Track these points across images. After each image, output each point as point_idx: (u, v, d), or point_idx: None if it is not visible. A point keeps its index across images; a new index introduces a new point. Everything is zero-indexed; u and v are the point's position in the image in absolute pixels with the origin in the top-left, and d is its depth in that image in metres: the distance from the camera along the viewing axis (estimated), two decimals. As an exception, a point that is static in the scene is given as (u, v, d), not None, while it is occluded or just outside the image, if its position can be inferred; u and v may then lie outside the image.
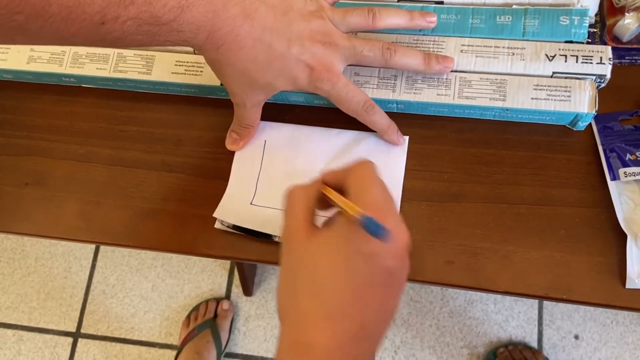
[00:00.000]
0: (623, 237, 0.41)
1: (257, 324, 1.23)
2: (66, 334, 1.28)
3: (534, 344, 1.16)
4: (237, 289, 1.26)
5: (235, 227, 0.45)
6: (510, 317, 1.18)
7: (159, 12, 0.33)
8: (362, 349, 0.33)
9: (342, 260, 0.32)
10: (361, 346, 0.32)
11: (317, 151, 0.46)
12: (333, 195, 0.35)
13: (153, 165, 0.49)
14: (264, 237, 0.44)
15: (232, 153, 0.48)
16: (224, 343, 1.18)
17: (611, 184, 0.43)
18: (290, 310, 0.34)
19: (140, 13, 0.32)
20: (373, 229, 0.30)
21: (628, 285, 0.41)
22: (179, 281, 1.28)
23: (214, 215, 0.45)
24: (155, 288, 1.28)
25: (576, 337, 1.16)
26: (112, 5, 0.31)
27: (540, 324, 1.17)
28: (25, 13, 0.29)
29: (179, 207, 0.47)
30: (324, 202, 0.37)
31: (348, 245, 0.32)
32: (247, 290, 1.23)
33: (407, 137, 0.46)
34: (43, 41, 0.32)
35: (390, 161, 0.45)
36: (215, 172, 0.47)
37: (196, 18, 0.35)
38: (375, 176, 0.34)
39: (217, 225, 0.45)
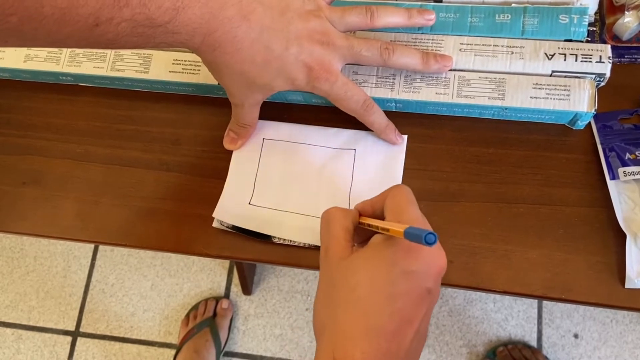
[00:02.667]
0: (622, 236, 0.41)
1: (256, 323, 1.23)
2: (65, 332, 1.28)
3: (534, 343, 1.15)
4: (236, 288, 1.26)
5: (233, 227, 0.44)
6: (509, 316, 1.18)
7: (153, 14, 0.32)
8: None
9: (383, 276, 0.32)
10: None
11: (315, 150, 0.46)
12: (372, 220, 0.36)
13: (151, 165, 0.49)
14: (263, 238, 0.44)
15: (230, 152, 0.47)
16: (223, 342, 1.18)
17: (610, 184, 0.42)
18: (328, 325, 0.33)
19: (134, 15, 0.32)
20: (419, 234, 0.29)
21: (627, 285, 0.40)
22: (178, 280, 1.28)
23: (213, 215, 0.45)
24: (155, 287, 1.28)
25: (576, 336, 1.16)
26: (106, 7, 0.31)
27: (539, 322, 1.17)
28: (19, 15, 0.29)
29: (176, 206, 0.47)
30: (360, 235, 0.37)
31: (389, 263, 0.32)
32: (247, 290, 1.23)
33: (405, 136, 0.46)
34: (36, 43, 0.32)
35: (388, 160, 0.45)
36: (213, 171, 0.47)
37: (192, 20, 0.34)
38: (411, 198, 0.35)
39: (215, 224, 0.45)
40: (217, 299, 1.23)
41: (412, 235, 0.30)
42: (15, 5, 0.28)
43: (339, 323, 0.32)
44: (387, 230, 0.32)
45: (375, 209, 0.37)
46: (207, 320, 1.18)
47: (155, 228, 0.47)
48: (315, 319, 0.35)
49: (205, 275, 1.28)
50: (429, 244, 0.29)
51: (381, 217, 0.36)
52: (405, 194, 0.35)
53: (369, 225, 0.36)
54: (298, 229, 0.44)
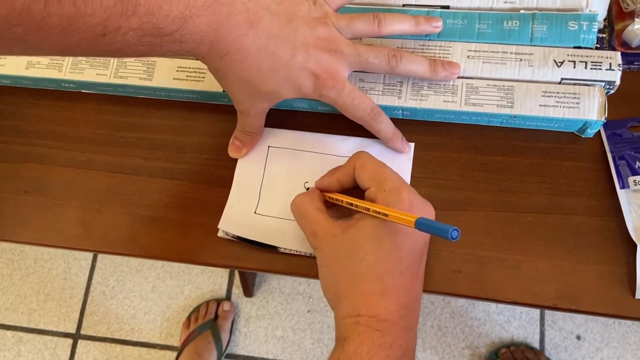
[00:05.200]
0: (633, 246, 0.41)
1: (257, 325, 1.23)
2: (66, 335, 1.27)
3: (536, 345, 1.15)
4: (237, 289, 1.25)
5: (239, 237, 0.44)
6: (512, 318, 1.17)
7: (161, 22, 0.32)
8: (414, 319, 0.38)
9: (389, 244, 0.36)
10: (413, 317, 0.37)
11: (321, 158, 0.46)
12: (359, 201, 0.38)
13: (154, 172, 0.48)
14: (269, 248, 0.44)
15: (235, 160, 0.47)
16: (224, 344, 1.18)
17: (620, 192, 0.42)
18: (345, 293, 0.37)
19: (142, 24, 0.31)
20: (442, 228, 0.32)
21: (638, 296, 0.40)
22: (180, 282, 1.28)
23: (219, 226, 0.44)
24: (156, 289, 1.28)
25: (578, 337, 1.15)
26: (114, 17, 0.30)
27: (542, 324, 1.17)
28: (25, 25, 0.28)
29: (180, 215, 0.46)
30: (334, 210, 0.41)
31: (392, 231, 0.36)
32: (248, 291, 1.23)
33: (412, 144, 0.45)
34: (42, 52, 0.31)
35: (395, 168, 0.44)
36: (218, 180, 0.47)
37: (199, 28, 0.34)
38: (378, 161, 0.39)
39: (221, 234, 0.45)
40: (219, 301, 1.23)
41: (430, 227, 0.32)
42: (22, 16, 0.28)
43: (357, 289, 0.36)
44: (387, 215, 0.35)
45: (343, 182, 0.40)
46: (208, 323, 1.17)
47: (159, 237, 0.46)
48: (329, 293, 0.38)
49: (206, 277, 1.27)
50: (454, 239, 0.31)
51: (350, 191, 0.40)
52: (372, 160, 0.39)
53: (351, 204, 0.38)
54: (304, 238, 0.43)
